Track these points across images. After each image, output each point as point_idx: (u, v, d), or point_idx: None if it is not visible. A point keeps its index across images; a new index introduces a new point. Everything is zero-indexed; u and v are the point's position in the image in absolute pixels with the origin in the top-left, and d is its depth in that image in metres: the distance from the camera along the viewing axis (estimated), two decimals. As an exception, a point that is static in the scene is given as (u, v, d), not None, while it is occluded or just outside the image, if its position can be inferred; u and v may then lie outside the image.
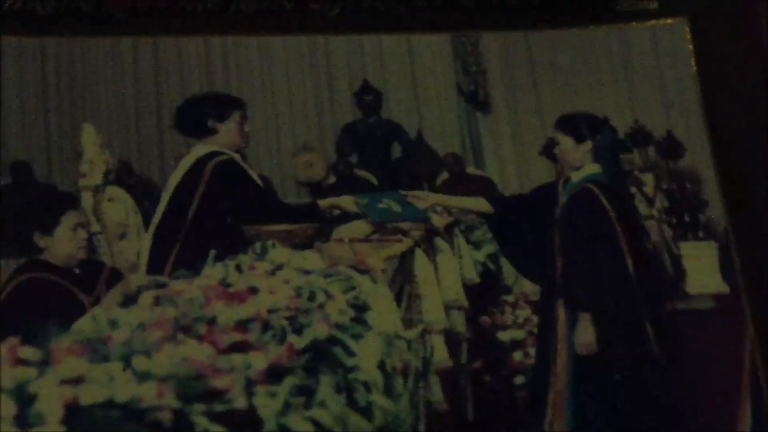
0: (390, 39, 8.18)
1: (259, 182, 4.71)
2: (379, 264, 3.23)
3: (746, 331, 4.96)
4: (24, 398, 1.65)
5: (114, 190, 5.31)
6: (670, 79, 7.40)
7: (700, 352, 5.15)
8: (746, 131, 5.15)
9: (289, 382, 1.96)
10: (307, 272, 2.83)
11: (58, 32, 5.49)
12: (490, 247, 5.89)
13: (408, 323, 4.00)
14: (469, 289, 5.05)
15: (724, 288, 6.65)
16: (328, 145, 8.24)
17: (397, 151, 8.31)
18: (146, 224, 4.86)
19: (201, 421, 1.73)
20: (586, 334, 4.47)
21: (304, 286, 2.58)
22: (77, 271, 4.09)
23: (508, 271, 6.09)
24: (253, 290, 2.44)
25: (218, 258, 2.89)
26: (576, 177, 4.73)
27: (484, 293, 5.71)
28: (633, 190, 7.04)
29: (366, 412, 2.17)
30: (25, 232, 4.08)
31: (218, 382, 1.81)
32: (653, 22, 5.48)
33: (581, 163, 4.71)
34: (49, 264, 4.04)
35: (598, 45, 7.70)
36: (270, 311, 2.29)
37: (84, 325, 2.27)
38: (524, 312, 5.88)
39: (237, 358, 1.95)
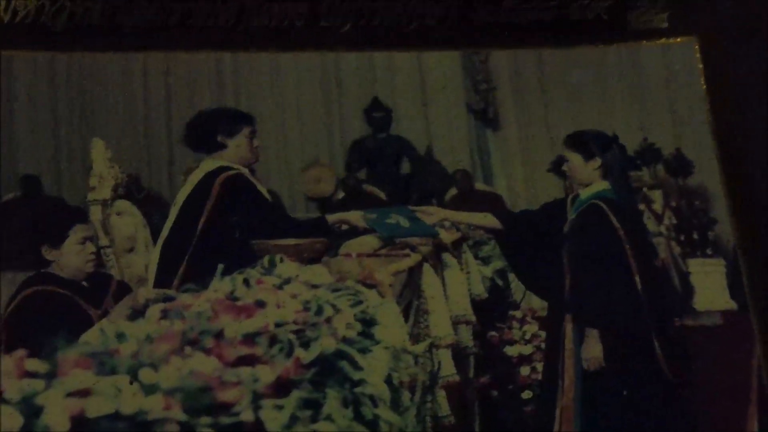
0: (400, 56, 8.22)
1: (268, 197, 4.72)
2: (387, 279, 3.23)
3: (754, 348, 4.96)
4: (31, 410, 1.65)
5: (123, 204, 5.31)
6: (680, 97, 7.42)
7: (708, 368, 5.16)
8: (755, 149, 5.15)
9: (296, 395, 1.96)
10: (314, 287, 2.82)
11: (69, 47, 5.51)
12: (499, 263, 5.91)
13: (415, 338, 4.00)
14: (476, 304, 5.04)
15: (732, 305, 6.67)
16: (338, 160, 8.28)
17: (406, 167, 8.34)
18: (155, 238, 4.87)
19: (207, 434, 1.74)
20: (593, 350, 4.48)
21: (312, 301, 2.57)
22: (85, 284, 4.08)
23: (516, 286, 6.10)
24: (261, 304, 2.43)
25: (226, 272, 2.88)
26: (585, 194, 4.73)
27: (491, 308, 5.71)
28: (642, 207, 7.06)
29: (372, 426, 2.17)
30: (34, 244, 4.07)
31: (225, 395, 1.81)
32: (663, 40, 5.48)
33: (590, 180, 4.71)
34: (57, 277, 4.02)
35: (609, 63, 7.73)
36: (277, 325, 2.29)
37: (91, 337, 2.27)
38: (532, 327, 5.89)
39: (244, 372, 1.95)
